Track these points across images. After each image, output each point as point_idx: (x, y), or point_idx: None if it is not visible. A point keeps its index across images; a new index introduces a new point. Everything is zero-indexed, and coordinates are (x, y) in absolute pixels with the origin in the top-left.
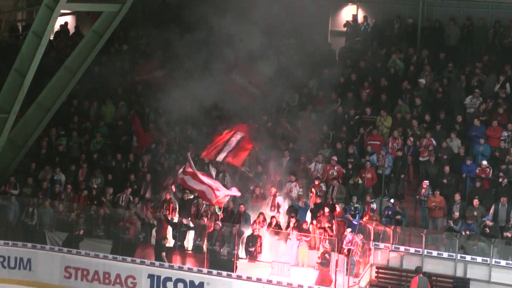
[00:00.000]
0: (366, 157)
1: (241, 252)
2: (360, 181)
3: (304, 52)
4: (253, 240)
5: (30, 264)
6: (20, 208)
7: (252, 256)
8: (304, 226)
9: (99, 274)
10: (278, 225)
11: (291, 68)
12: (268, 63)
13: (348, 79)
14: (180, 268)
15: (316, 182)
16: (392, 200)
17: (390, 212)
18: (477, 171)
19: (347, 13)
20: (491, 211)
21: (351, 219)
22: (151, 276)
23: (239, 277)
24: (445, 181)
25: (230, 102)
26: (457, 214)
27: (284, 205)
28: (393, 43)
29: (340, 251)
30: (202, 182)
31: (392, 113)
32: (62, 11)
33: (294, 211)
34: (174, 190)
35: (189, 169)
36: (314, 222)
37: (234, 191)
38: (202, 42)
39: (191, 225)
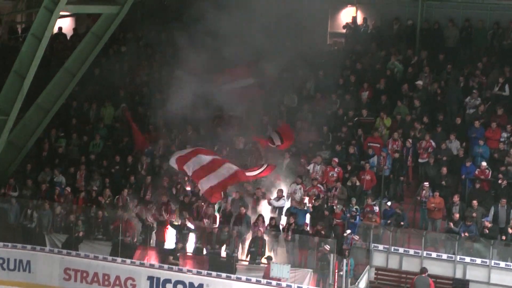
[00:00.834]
0: (365, 160)
1: (242, 254)
2: (357, 183)
3: (303, 54)
4: (256, 242)
5: (30, 266)
6: (20, 210)
7: (254, 258)
8: (304, 228)
9: (99, 276)
10: (277, 227)
11: (290, 69)
12: (267, 65)
13: (347, 80)
14: (180, 270)
15: (316, 184)
16: (389, 203)
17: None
18: (477, 172)
19: (347, 14)
20: (491, 212)
21: (352, 221)
22: (150, 278)
23: (238, 279)
24: (443, 183)
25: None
26: (457, 215)
27: (284, 206)
28: (392, 44)
29: (339, 252)
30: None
31: (391, 115)
32: (61, 13)
33: (294, 213)
34: (174, 192)
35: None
36: (314, 223)
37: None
38: (201, 42)
39: (193, 227)
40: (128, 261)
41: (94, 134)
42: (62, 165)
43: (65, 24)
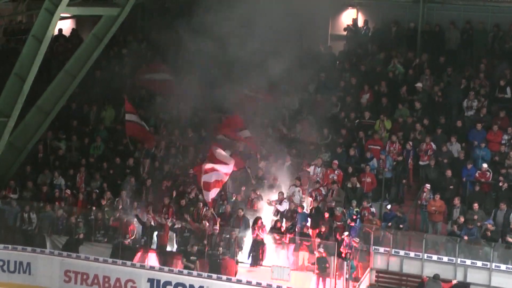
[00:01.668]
0: (365, 163)
1: (242, 257)
2: (358, 185)
3: (304, 56)
4: (257, 245)
5: (30, 268)
6: (21, 212)
7: (256, 261)
8: (304, 230)
9: (99, 278)
10: (278, 229)
11: (291, 72)
12: (268, 67)
13: (348, 83)
14: (180, 272)
15: (316, 186)
16: (389, 206)
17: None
18: (477, 175)
19: (347, 17)
20: (492, 215)
21: (352, 224)
22: (150, 280)
23: (239, 281)
24: (451, 187)
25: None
26: (462, 219)
27: (285, 209)
28: (393, 47)
29: (339, 255)
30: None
31: (392, 117)
32: (62, 15)
33: (294, 215)
34: (174, 194)
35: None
36: (314, 226)
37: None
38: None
39: (193, 229)
40: (129, 263)
41: (95, 136)
42: (62, 167)
43: (65, 26)
